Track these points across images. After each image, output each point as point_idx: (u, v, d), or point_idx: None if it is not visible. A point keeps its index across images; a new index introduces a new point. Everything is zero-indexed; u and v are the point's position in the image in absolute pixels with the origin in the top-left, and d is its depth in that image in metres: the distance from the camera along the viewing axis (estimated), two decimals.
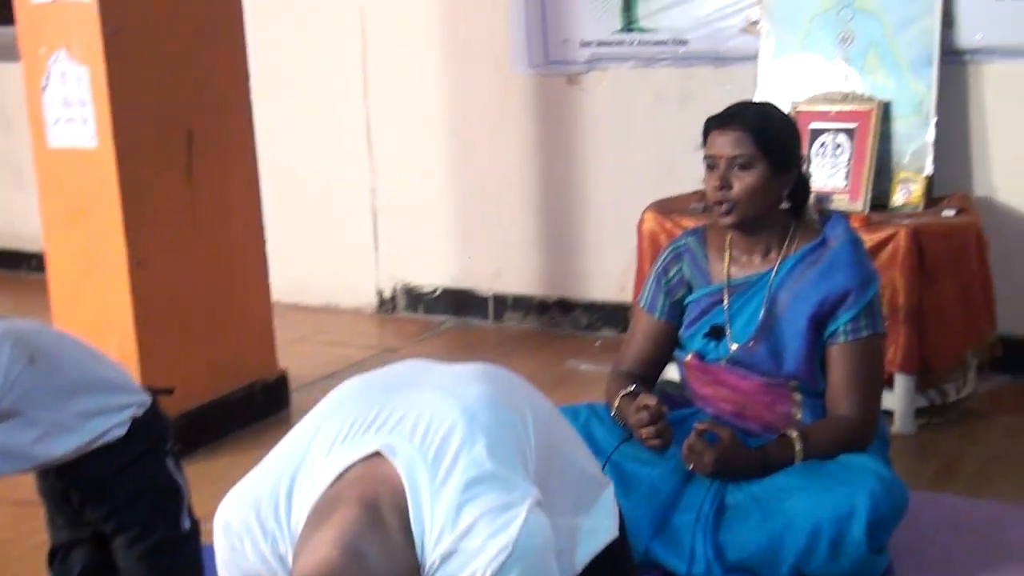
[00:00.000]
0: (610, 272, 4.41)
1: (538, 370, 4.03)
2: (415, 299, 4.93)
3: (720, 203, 2.68)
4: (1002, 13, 3.59)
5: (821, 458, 2.58)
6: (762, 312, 2.71)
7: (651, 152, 4.26)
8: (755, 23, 3.95)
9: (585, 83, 4.35)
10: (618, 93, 4.29)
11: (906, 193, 3.63)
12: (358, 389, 1.67)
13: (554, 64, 4.38)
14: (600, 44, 4.26)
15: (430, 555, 1.46)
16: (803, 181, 2.78)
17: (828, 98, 3.77)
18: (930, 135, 3.63)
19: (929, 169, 3.62)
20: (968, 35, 3.64)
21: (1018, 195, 3.69)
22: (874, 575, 2.50)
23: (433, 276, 4.88)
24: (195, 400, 3.45)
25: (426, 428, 1.53)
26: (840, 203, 3.64)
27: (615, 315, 4.43)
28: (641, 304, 2.90)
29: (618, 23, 4.21)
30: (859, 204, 3.64)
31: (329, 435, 1.57)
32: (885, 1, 3.69)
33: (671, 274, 2.85)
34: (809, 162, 2.80)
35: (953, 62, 3.67)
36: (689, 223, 3.59)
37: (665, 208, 3.75)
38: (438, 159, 4.74)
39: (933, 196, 3.61)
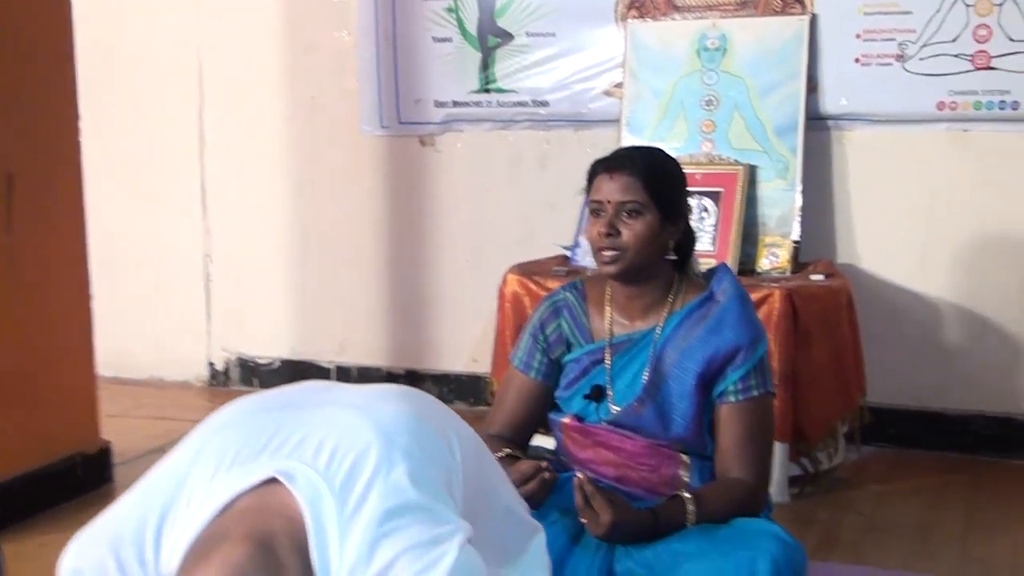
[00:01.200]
0: (462, 342, 4.20)
1: None
2: (250, 371, 4.61)
3: (606, 250, 2.52)
4: (864, 80, 3.59)
5: (715, 521, 2.40)
6: (647, 371, 2.54)
7: (509, 216, 4.11)
8: (618, 85, 3.86)
9: (440, 144, 4.18)
10: (475, 155, 4.14)
11: (773, 258, 3.56)
12: (247, 409, 1.41)
13: (407, 124, 4.20)
14: (456, 104, 4.10)
15: None
16: (689, 232, 2.65)
17: (693, 161, 3.69)
18: (796, 200, 3.58)
19: (796, 234, 3.57)
20: (832, 101, 3.63)
21: (880, 263, 3.67)
22: None
23: (271, 347, 4.58)
24: (9, 470, 3.07)
25: (332, 450, 1.27)
26: (709, 266, 3.53)
27: (468, 387, 4.21)
28: (515, 363, 2.68)
29: (475, 83, 4.06)
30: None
31: (211, 461, 1.30)
32: (750, 65, 3.66)
33: (549, 331, 2.66)
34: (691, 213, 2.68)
35: (818, 128, 3.65)
36: (554, 285, 3.43)
37: (527, 271, 3.58)
38: (280, 223, 4.48)
39: (800, 262, 3.56)
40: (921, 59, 3.53)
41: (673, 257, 2.60)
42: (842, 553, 2.91)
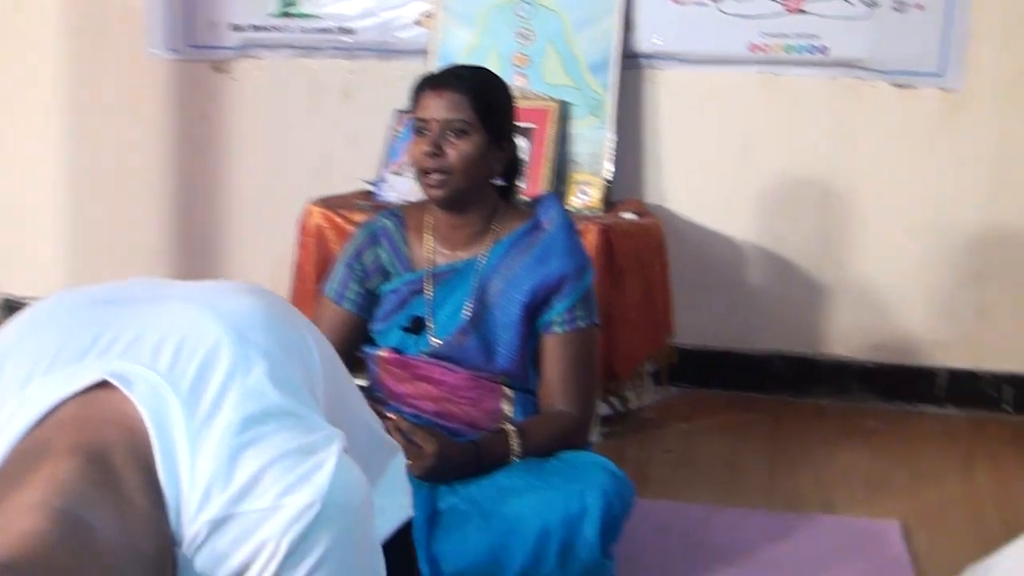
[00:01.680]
0: (259, 276, 3.97)
1: None
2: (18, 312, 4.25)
3: (430, 172, 2.39)
4: (679, 19, 3.55)
5: (540, 455, 2.33)
6: (471, 301, 2.43)
7: (309, 149, 3.90)
8: (428, 15, 3.72)
9: (235, 71, 3.92)
10: (273, 84, 3.90)
11: (584, 196, 3.50)
12: (65, 305, 1.20)
13: (199, 48, 3.92)
14: (254, 29, 3.85)
15: (192, 523, 1.04)
16: (516, 158, 2.55)
17: None
18: (608, 138, 3.53)
19: (608, 173, 3.52)
20: (646, 39, 3.58)
21: (688, 204, 3.66)
22: None
23: (43, 287, 4.23)
24: None
25: (176, 349, 1.09)
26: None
27: None
28: (327, 294, 2.52)
29: (275, 6, 3.82)
30: None
31: (22, 365, 1.11)
32: None
33: (366, 259, 2.51)
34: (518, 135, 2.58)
35: (631, 66, 3.59)
36: (361, 218, 3.27)
37: (331, 205, 3.40)
38: (55, 155, 4.13)
39: (610, 201, 3.51)
40: (735, 0, 3.52)
41: (499, 183, 2.50)
42: (655, 490, 2.89)
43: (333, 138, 3.87)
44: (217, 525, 1.03)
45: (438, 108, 2.39)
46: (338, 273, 2.53)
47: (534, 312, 2.41)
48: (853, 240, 3.59)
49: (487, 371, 2.42)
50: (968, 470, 3.10)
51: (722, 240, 3.65)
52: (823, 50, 3.48)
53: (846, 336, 3.63)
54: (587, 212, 3.44)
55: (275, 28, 3.83)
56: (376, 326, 2.50)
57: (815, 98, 3.55)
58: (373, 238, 2.53)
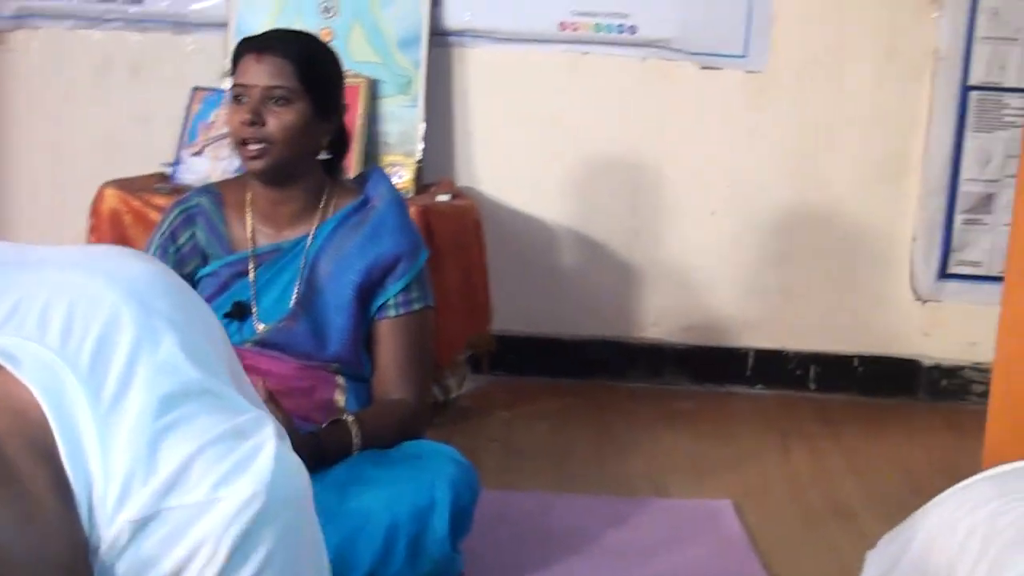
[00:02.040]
0: None
1: None
2: None
3: (249, 142, 2.22)
4: None
5: (380, 446, 2.20)
6: (298, 284, 2.28)
7: (95, 127, 3.61)
8: None
9: (11, 43, 3.58)
10: (54, 57, 3.58)
11: (396, 178, 3.35)
12: None
13: None
14: None
15: (110, 524, 0.87)
16: (343, 131, 2.41)
17: None
18: (419, 117, 3.41)
19: (419, 153, 3.40)
20: (456, 15, 3.47)
21: (498, 186, 3.57)
22: None
23: None
24: None
25: (66, 320, 0.91)
26: None
27: None
28: None
29: None
30: None
31: None
32: None
33: (181, 241, 2.32)
34: (347, 109, 2.44)
35: (440, 44, 3.48)
36: (162, 202, 3.05)
37: (126, 187, 3.16)
38: None
39: (422, 183, 3.39)
40: None
41: (325, 157, 2.36)
42: (485, 480, 2.78)
43: (121, 116, 3.59)
44: (141, 525, 0.87)
45: (258, 74, 2.23)
46: (150, 254, 2.33)
47: (367, 294, 2.28)
48: (662, 222, 3.60)
49: (318, 359, 2.27)
50: (784, 449, 3.14)
51: (533, 222, 3.59)
52: (632, 30, 3.47)
53: (658, 319, 3.64)
54: (400, 194, 3.32)
55: None
56: None
57: (623, 79, 3.53)
58: (188, 218, 2.34)
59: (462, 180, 3.55)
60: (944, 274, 3.56)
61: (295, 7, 3.44)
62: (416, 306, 2.31)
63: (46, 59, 3.59)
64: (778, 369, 3.63)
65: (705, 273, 3.61)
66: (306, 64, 2.25)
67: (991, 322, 3.50)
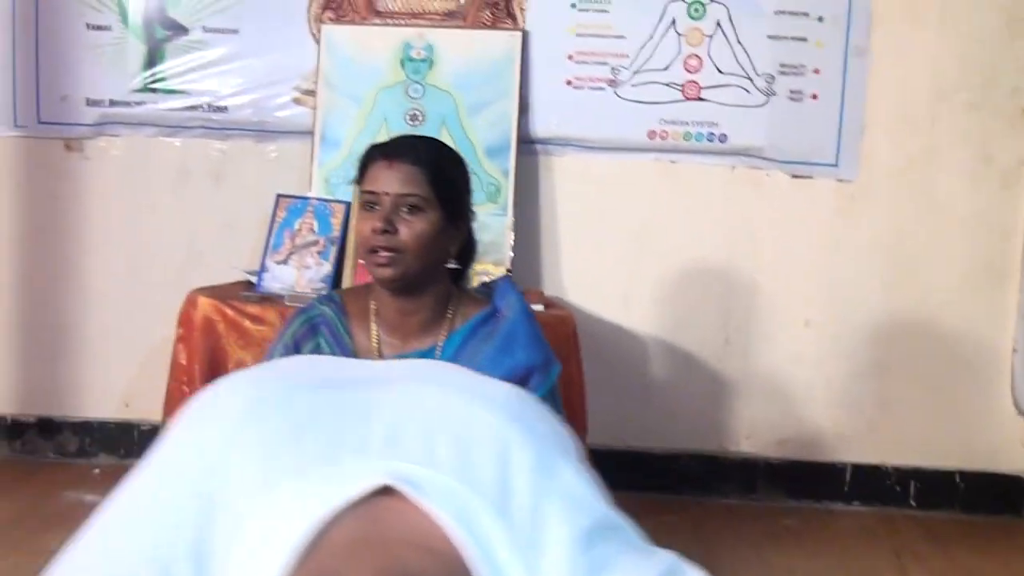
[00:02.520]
0: (112, 384, 3.57)
1: (28, 507, 3.13)
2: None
3: (380, 250, 2.14)
4: (576, 103, 3.42)
5: None
6: None
7: (174, 236, 3.55)
8: (308, 92, 3.46)
9: (90, 150, 3.55)
10: (134, 164, 3.54)
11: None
12: (272, 390, 0.90)
13: (48, 125, 3.53)
14: (113, 104, 3.50)
15: None
16: (472, 239, 2.33)
17: None
18: (508, 226, 3.35)
19: (508, 262, 3.33)
20: (543, 123, 3.43)
21: (586, 295, 3.49)
22: None
23: None
24: None
25: (456, 446, 0.84)
26: None
27: (116, 436, 3.58)
28: None
29: (138, 81, 3.49)
30: None
31: (253, 461, 0.83)
32: (458, 80, 3.39)
33: (305, 351, 2.23)
34: (475, 218, 2.37)
35: (527, 151, 3.43)
36: (255, 310, 2.97)
37: (216, 295, 3.07)
38: None
39: None
40: (633, 85, 3.42)
41: (454, 266, 2.28)
42: None
43: (202, 224, 3.53)
44: None
45: (390, 181, 2.16)
46: None
47: None
48: (754, 332, 3.51)
49: None
50: (901, 569, 3.00)
51: (623, 333, 3.50)
52: (722, 138, 3.42)
53: (751, 432, 3.52)
54: (528, 305, 3.23)
55: (138, 103, 3.49)
56: None
57: (713, 186, 3.47)
58: (312, 327, 2.25)
59: (550, 289, 3.47)
60: None
61: (380, 115, 3.40)
62: None
63: (125, 166, 3.55)
64: (877, 485, 3.50)
65: (799, 385, 3.51)
66: (437, 171, 2.19)
67: None
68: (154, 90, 3.49)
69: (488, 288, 2.37)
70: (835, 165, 3.44)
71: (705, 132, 3.43)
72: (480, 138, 3.38)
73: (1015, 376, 3.46)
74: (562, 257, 3.49)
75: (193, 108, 3.49)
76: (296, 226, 3.31)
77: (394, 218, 2.14)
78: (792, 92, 3.40)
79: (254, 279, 3.30)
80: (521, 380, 2.17)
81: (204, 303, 3.00)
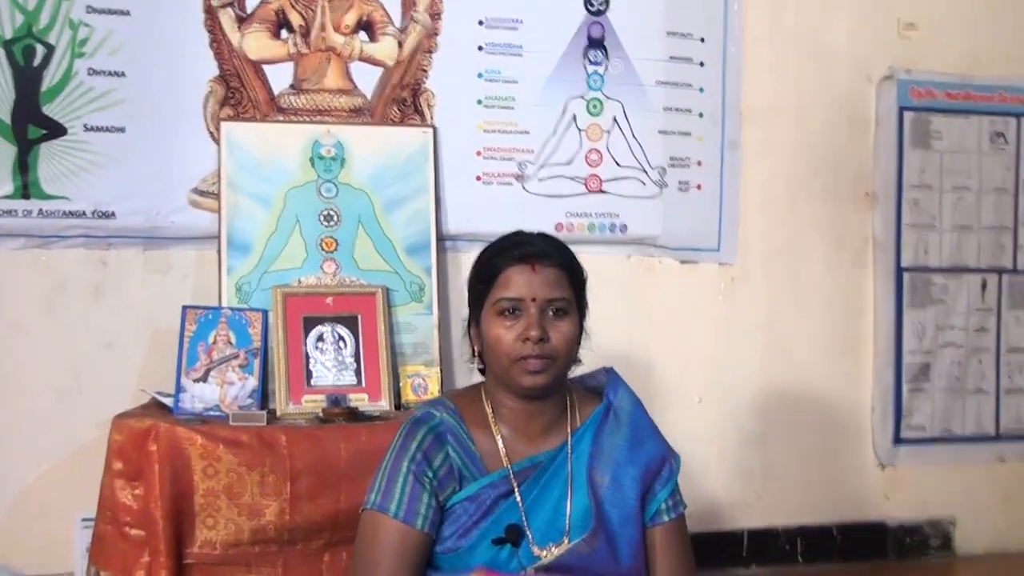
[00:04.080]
0: None
1: None
2: None
3: (533, 359, 2.06)
4: (486, 198, 3.40)
5: None
6: (570, 499, 2.11)
7: (50, 359, 3.12)
8: (208, 194, 3.19)
9: None
10: (2, 280, 3.10)
11: (420, 390, 3.18)
12: None
13: None
14: None
15: None
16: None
17: (321, 284, 3.18)
18: (435, 324, 3.26)
19: (438, 362, 3.24)
20: (455, 219, 3.38)
21: None
22: None
23: None
24: None
25: None
26: (361, 405, 3.04)
27: None
28: (391, 513, 2.04)
29: (9, 186, 3.07)
30: (383, 403, 3.09)
31: None
32: (373, 178, 3.27)
33: (437, 463, 2.08)
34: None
35: (442, 248, 3.37)
36: (227, 434, 2.70)
37: (162, 420, 2.75)
38: None
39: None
40: (540, 180, 3.47)
41: (580, 364, 2.24)
42: None
43: (82, 346, 3.14)
44: None
45: (538, 285, 2.09)
46: (400, 485, 2.06)
47: (643, 501, 2.15)
48: (652, 411, 3.61)
49: (607, 574, 2.10)
50: None
51: None
52: (623, 228, 3.54)
53: None
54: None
55: (8, 212, 3.06)
56: (450, 544, 2.06)
57: (612, 274, 3.58)
58: (438, 437, 2.10)
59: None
60: (898, 439, 3.84)
61: (292, 215, 3.21)
62: (682, 508, 2.21)
63: None
64: (770, 546, 3.71)
65: (695, 460, 3.65)
66: (574, 272, 2.16)
67: (937, 481, 3.83)
68: (27, 196, 3.08)
69: (591, 380, 2.33)
70: (717, 250, 3.67)
71: (607, 223, 3.54)
72: (399, 236, 3.27)
73: (874, 432, 3.83)
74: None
75: (74, 215, 3.11)
76: (210, 339, 3.04)
77: (545, 324, 2.07)
78: (681, 183, 3.59)
79: (167, 401, 2.99)
80: (656, 470, 2.18)
81: (167, 430, 2.68)
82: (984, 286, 3.94)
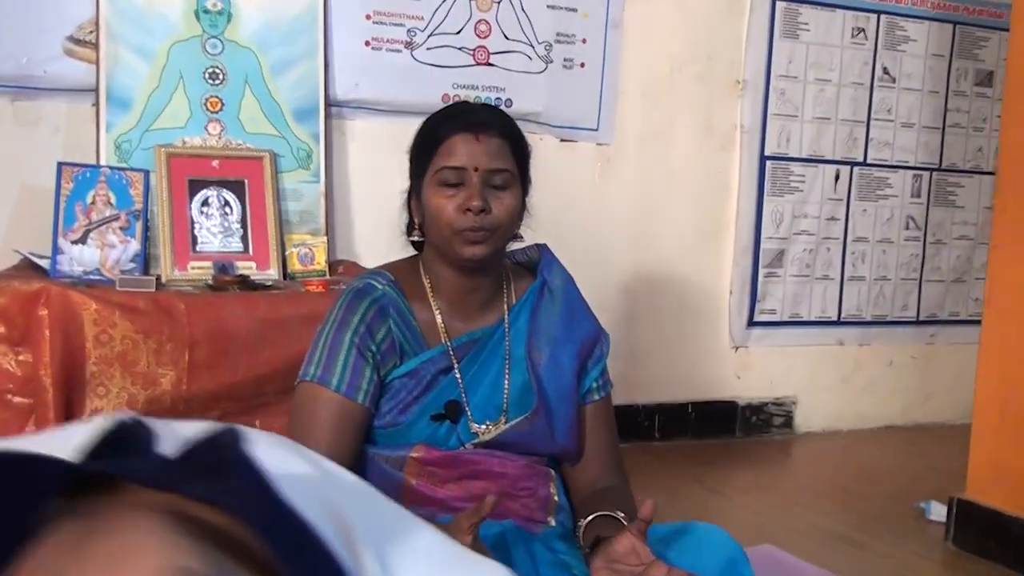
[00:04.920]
0: None
1: None
2: None
3: (473, 230, 2.02)
4: (375, 65, 3.30)
5: None
6: (508, 376, 2.10)
7: None
8: (84, 43, 2.98)
9: None
10: None
11: (307, 260, 3.11)
12: None
13: None
14: None
15: None
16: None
17: (206, 146, 3.04)
18: (322, 192, 3.17)
19: (324, 232, 3.16)
20: (344, 85, 3.27)
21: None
22: None
23: None
24: None
25: None
26: (249, 273, 2.95)
27: None
28: (333, 387, 1.97)
29: None
30: (272, 272, 3.00)
31: None
32: (261, 36, 3.12)
33: (379, 337, 2.02)
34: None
35: (332, 114, 3.26)
36: (121, 299, 2.57)
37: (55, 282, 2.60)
38: None
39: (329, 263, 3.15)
40: (428, 48, 3.38)
41: (521, 240, 2.21)
42: None
43: None
44: None
45: (479, 155, 2.01)
46: (342, 358, 1.99)
47: (578, 379, 2.17)
48: None
49: (546, 453, 2.12)
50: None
51: None
52: (508, 103, 3.51)
53: None
54: (314, 277, 3.06)
55: None
56: (388, 419, 2.03)
57: None
58: (381, 310, 2.03)
59: (364, 260, 3.34)
60: (751, 323, 4.00)
61: (175, 72, 3.04)
62: (609, 387, 2.25)
63: None
64: (630, 423, 3.83)
65: None
66: (518, 143, 2.10)
67: (784, 363, 4.03)
68: None
69: (526, 256, 2.32)
70: (596, 129, 3.68)
71: (493, 97, 3.49)
72: (286, 99, 3.15)
73: (731, 316, 3.97)
74: (357, 225, 3.37)
75: None
76: (89, 199, 2.88)
77: (487, 195, 2.03)
78: (566, 60, 3.58)
79: (43, 263, 2.83)
80: (590, 348, 2.19)
81: (59, 293, 2.54)
82: (837, 177, 4.12)
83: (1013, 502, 2.88)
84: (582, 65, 3.61)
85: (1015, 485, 2.88)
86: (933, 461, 3.83)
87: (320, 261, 3.09)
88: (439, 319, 2.08)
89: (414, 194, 2.13)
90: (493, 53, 3.47)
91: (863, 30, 4.07)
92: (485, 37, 3.45)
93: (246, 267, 2.97)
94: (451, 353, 2.07)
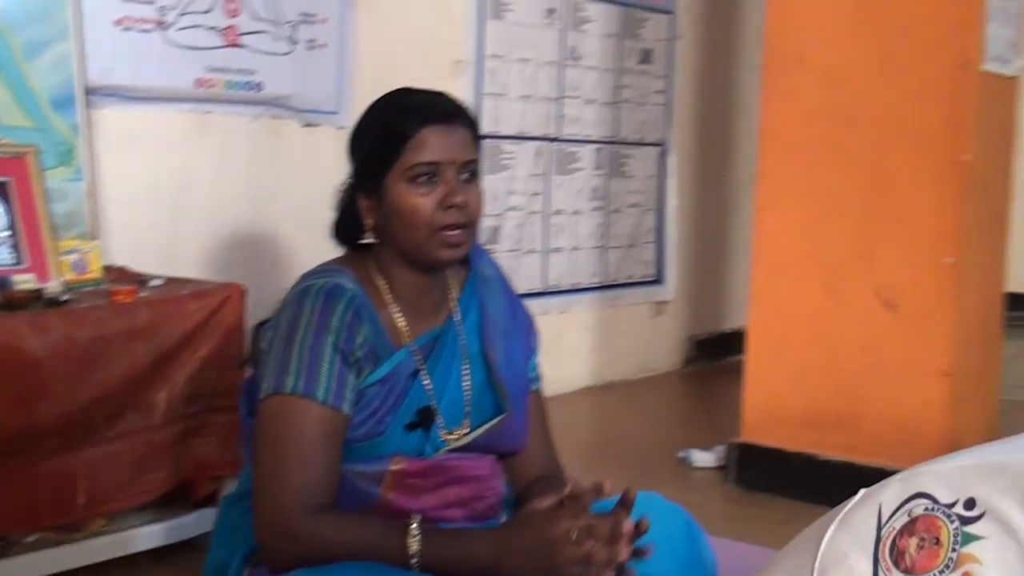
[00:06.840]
0: None
1: None
2: None
3: (455, 228, 1.92)
4: (127, 47, 2.95)
5: None
6: (488, 373, 2.02)
7: None
8: None
9: None
10: None
11: (79, 266, 2.75)
12: None
13: None
14: None
15: None
16: None
17: None
18: (87, 191, 2.81)
19: (93, 235, 2.80)
20: (98, 70, 2.89)
21: (142, 261, 3.07)
22: None
23: None
24: None
25: None
26: (29, 286, 2.57)
27: None
28: (318, 397, 1.79)
29: None
30: (54, 283, 2.62)
31: None
32: (8, 14, 2.70)
33: (359, 341, 1.86)
34: None
35: (91, 103, 2.88)
36: None
37: None
38: None
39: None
40: (180, 28, 3.08)
41: None
42: None
43: None
44: None
45: (451, 148, 1.91)
46: (328, 365, 1.82)
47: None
48: (278, 283, 3.45)
49: (510, 450, 2.07)
50: None
51: None
52: (258, 87, 3.28)
53: None
54: (92, 286, 2.71)
55: None
56: (364, 431, 1.89)
57: (248, 138, 3.32)
58: (357, 313, 1.87)
59: (141, 265, 2.99)
60: None
61: None
62: (541, 378, 2.23)
63: None
64: None
65: None
66: (476, 128, 2.02)
67: None
68: None
69: None
70: (336, 113, 3.55)
71: (243, 80, 3.25)
72: (43, 86, 2.76)
73: None
74: (115, 224, 3.02)
75: None
76: None
77: (462, 190, 1.92)
78: (309, 41, 3.41)
79: None
80: (530, 338, 2.16)
81: None
82: (538, 153, 4.26)
83: (792, 440, 3.19)
84: (324, 46, 3.46)
85: (791, 424, 3.19)
86: (652, 414, 4.12)
87: (95, 268, 2.75)
88: (401, 321, 1.97)
89: (364, 194, 1.98)
90: (242, 34, 3.24)
91: (554, 10, 4.24)
92: (235, 16, 3.22)
93: (24, 280, 2.57)
94: (416, 354, 1.96)
